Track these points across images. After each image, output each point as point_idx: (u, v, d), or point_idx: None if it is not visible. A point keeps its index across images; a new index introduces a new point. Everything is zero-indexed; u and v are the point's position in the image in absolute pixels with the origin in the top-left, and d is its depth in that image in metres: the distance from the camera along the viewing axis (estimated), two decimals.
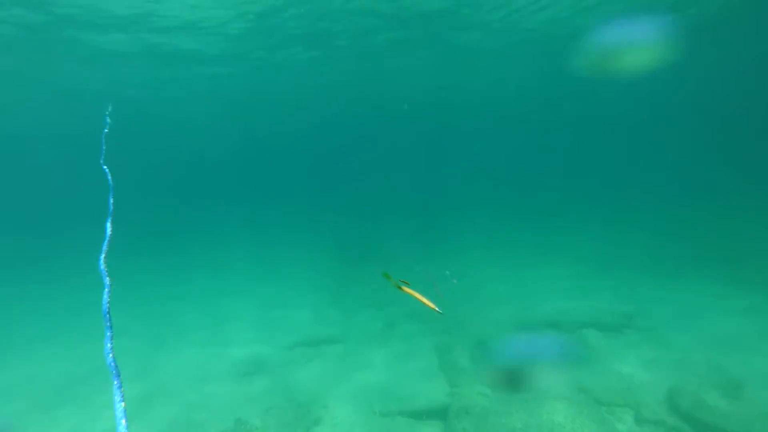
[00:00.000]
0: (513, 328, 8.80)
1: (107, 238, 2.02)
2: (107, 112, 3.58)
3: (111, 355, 1.51)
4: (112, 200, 2.36)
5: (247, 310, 11.27)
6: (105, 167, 2.79)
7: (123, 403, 1.35)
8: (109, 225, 2.14)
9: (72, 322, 11.26)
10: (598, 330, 8.39)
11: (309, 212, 26.06)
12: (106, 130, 3.38)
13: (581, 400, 6.18)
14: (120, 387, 1.43)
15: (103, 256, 1.93)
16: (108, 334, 1.60)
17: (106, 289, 1.74)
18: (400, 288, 2.68)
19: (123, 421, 1.31)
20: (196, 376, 7.99)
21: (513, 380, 4.96)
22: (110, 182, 2.59)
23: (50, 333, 10.76)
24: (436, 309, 2.59)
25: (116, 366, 1.50)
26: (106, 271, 1.83)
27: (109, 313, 1.63)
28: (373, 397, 6.80)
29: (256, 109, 26.59)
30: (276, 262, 15.67)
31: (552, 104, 34.69)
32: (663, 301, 9.34)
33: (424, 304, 2.54)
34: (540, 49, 17.69)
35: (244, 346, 9.16)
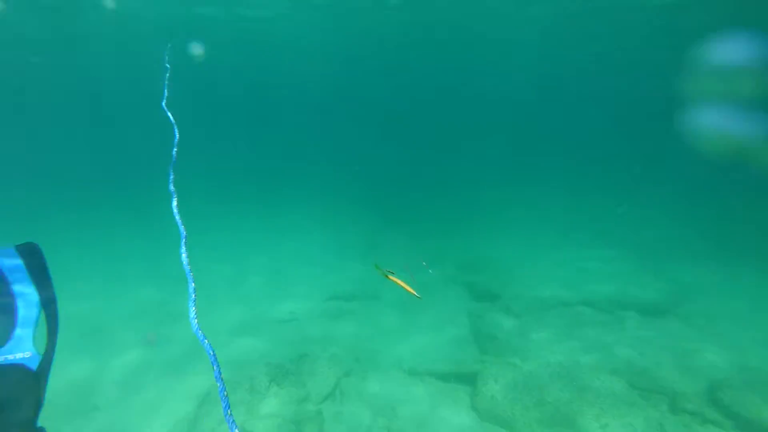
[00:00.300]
0: (547, 302, 8.66)
1: (173, 195, 2.01)
2: (166, 52, 3.54)
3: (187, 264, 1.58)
4: (175, 149, 2.35)
5: (283, 264, 11.58)
6: (166, 110, 2.78)
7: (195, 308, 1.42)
8: (172, 174, 2.13)
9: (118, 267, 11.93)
10: (638, 313, 8.13)
11: (352, 173, 26.02)
12: (168, 67, 3.34)
13: (613, 381, 6.09)
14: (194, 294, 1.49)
15: (175, 203, 1.94)
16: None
17: (183, 239, 1.76)
18: (387, 276, 2.81)
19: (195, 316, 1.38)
20: (233, 325, 8.37)
21: None
22: (173, 123, 2.56)
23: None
24: (416, 294, 2.82)
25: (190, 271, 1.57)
26: (181, 222, 1.84)
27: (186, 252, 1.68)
28: (404, 356, 6.94)
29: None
30: (315, 220, 15.90)
31: (598, 78, 32.50)
32: (714, 290, 8.90)
33: (408, 290, 2.77)
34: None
35: (282, 298, 9.48)
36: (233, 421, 1.05)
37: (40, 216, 15.74)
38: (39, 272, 1.20)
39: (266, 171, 26.10)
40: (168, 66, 3.37)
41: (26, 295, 1.19)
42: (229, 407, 1.11)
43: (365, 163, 27.82)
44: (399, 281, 2.83)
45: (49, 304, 1.19)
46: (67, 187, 21.27)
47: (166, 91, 2.95)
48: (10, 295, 1.17)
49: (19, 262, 1.21)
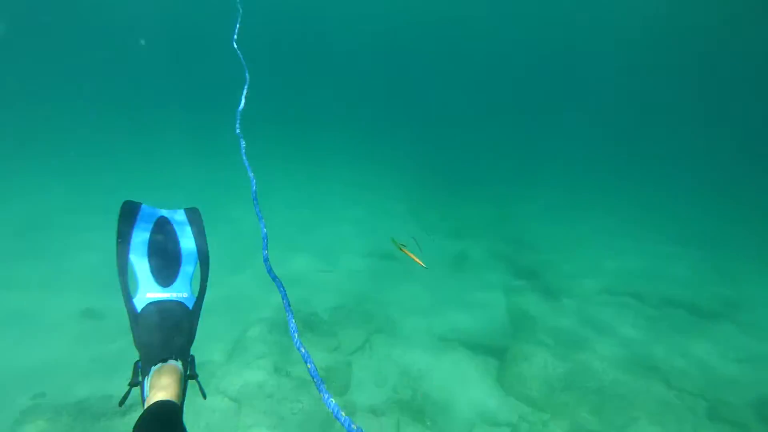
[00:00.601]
0: (591, 288, 8.35)
1: (241, 140, 2.03)
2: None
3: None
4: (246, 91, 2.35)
5: (326, 216, 11.76)
6: (237, 50, 2.81)
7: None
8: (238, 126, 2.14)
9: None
10: (687, 311, 7.70)
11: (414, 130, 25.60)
12: (240, 11, 3.35)
13: (649, 377, 5.87)
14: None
15: (243, 150, 1.98)
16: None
17: (252, 180, 1.86)
18: (400, 249, 3.29)
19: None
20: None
21: None
22: (245, 65, 2.57)
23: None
24: (422, 264, 3.15)
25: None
26: (249, 165, 1.90)
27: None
28: (436, 322, 6.98)
29: None
30: (364, 173, 15.93)
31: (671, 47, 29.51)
32: None
33: (417, 262, 3.09)
34: None
35: (323, 250, 9.69)
36: (308, 355, 1.19)
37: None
38: (198, 231, 1.46)
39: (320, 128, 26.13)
40: (240, 9, 3.39)
41: (189, 247, 1.43)
42: (301, 345, 1.25)
43: (430, 126, 27.22)
44: (410, 253, 3.19)
45: (204, 257, 1.43)
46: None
47: (236, 32, 2.96)
48: (178, 246, 1.42)
49: (185, 220, 1.47)
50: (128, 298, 1.32)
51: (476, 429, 5.09)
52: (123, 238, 1.37)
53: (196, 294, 1.40)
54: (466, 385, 5.71)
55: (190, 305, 1.38)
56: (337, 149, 19.41)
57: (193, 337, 1.36)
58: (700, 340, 6.79)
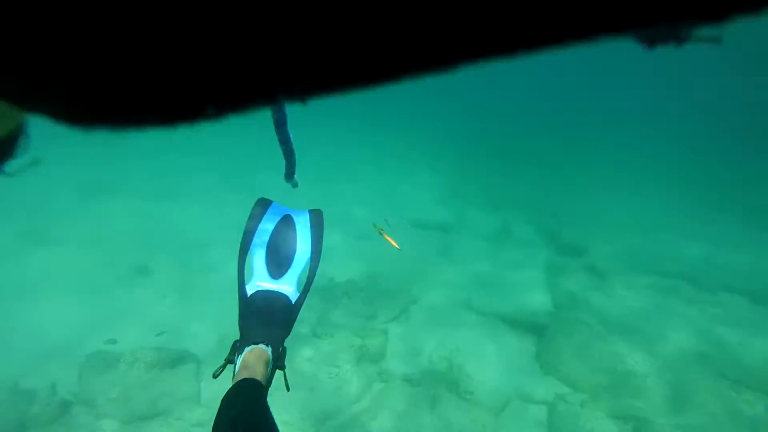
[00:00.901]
0: (640, 267, 7.93)
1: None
2: None
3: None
4: None
5: (367, 185, 11.70)
6: None
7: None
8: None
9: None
10: (747, 298, 7.19)
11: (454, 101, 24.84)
12: None
13: (700, 364, 5.58)
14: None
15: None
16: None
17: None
18: (380, 232, 3.43)
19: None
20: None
21: None
22: None
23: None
24: (397, 246, 3.36)
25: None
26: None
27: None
28: (475, 295, 6.88)
29: None
30: (402, 142, 15.68)
31: None
32: None
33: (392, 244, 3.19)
34: None
35: (358, 217, 9.69)
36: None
37: None
38: (317, 233, 1.56)
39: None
40: None
41: (304, 247, 1.53)
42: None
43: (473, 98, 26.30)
44: (386, 236, 3.33)
45: (315, 258, 1.53)
46: None
47: None
48: (295, 244, 1.53)
49: (308, 221, 1.57)
50: (242, 283, 1.47)
51: (511, 404, 5.05)
52: (250, 229, 1.52)
53: (299, 291, 1.49)
54: (503, 361, 5.64)
55: (293, 300, 1.47)
56: (380, 120, 19.12)
57: (290, 331, 1.47)
58: (759, 330, 6.35)
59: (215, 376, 1.41)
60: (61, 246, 7.32)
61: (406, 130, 17.38)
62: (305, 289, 1.49)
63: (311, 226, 1.58)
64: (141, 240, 7.60)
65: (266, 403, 1.22)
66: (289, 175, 2.27)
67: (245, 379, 1.25)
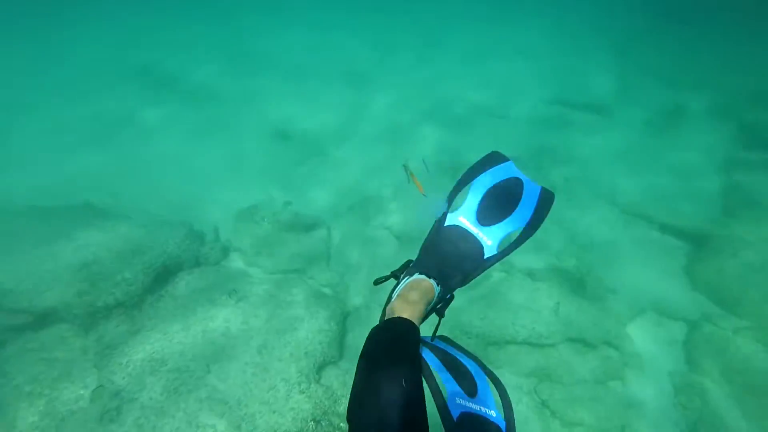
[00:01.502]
0: None
1: None
2: None
3: None
4: None
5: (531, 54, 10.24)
6: None
7: None
8: None
9: None
10: None
11: None
12: None
13: None
14: None
15: None
16: None
17: None
18: (410, 175, 3.65)
19: None
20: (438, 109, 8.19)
21: None
22: None
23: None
24: (423, 192, 3.45)
25: None
26: None
27: None
28: (622, 187, 6.03)
29: None
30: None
31: None
32: None
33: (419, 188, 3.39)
34: None
35: (492, 88, 8.70)
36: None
37: None
38: (540, 211, 1.40)
39: None
40: None
41: (524, 215, 1.40)
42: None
43: None
44: (415, 179, 3.58)
45: (529, 232, 1.37)
46: None
47: None
48: (515, 206, 1.41)
49: (537, 195, 1.43)
50: (446, 210, 1.41)
51: (644, 316, 4.60)
52: (476, 170, 1.45)
53: (497, 251, 1.38)
54: (644, 267, 5.03)
55: (486, 254, 1.36)
56: None
57: (467, 283, 1.35)
58: None
59: (376, 284, 1.38)
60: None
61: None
62: (505, 252, 1.37)
63: (539, 199, 1.44)
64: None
65: (420, 354, 1.11)
66: None
67: (401, 322, 1.12)
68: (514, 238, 1.39)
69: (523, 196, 1.43)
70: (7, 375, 3.54)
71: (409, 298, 1.20)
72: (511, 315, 4.30)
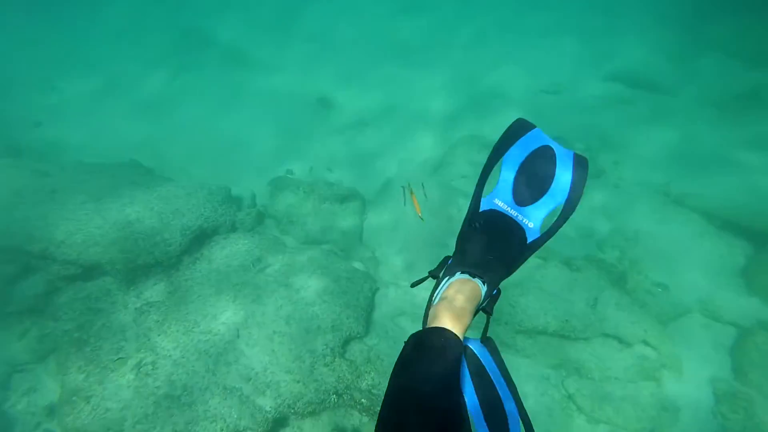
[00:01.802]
0: None
1: None
2: None
3: None
4: None
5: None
6: None
7: None
8: None
9: None
10: None
11: None
12: None
13: None
14: None
15: None
16: None
17: None
18: (410, 193, 3.80)
19: None
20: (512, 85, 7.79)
21: None
22: None
23: None
24: (420, 216, 3.53)
25: None
26: None
27: None
28: (677, 176, 5.59)
29: None
30: None
31: None
32: None
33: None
34: None
35: (541, 63, 8.16)
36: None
37: None
38: (579, 179, 1.26)
39: None
40: None
41: (562, 187, 1.26)
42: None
43: None
44: (415, 201, 3.61)
45: (571, 207, 1.24)
46: None
47: None
48: (551, 179, 1.27)
49: (571, 162, 1.28)
50: (479, 194, 1.28)
51: (690, 316, 4.33)
52: (503, 145, 1.31)
53: (540, 233, 1.23)
54: (695, 265, 4.69)
55: (530, 239, 1.23)
56: None
57: (512, 272, 1.24)
58: None
59: (413, 286, 1.28)
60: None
61: None
62: (549, 233, 1.21)
63: (574, 168, 1.27)
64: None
65: (460, 386, 0.99)
66: None
67: (445, 337, 1.00)
68: (555, 216, 1.24)
69: (557, 166, 1.29)
70: (60, 320, 3.81)
71: (455, 304, 1.09)
72: (545, 304, 4.14)
